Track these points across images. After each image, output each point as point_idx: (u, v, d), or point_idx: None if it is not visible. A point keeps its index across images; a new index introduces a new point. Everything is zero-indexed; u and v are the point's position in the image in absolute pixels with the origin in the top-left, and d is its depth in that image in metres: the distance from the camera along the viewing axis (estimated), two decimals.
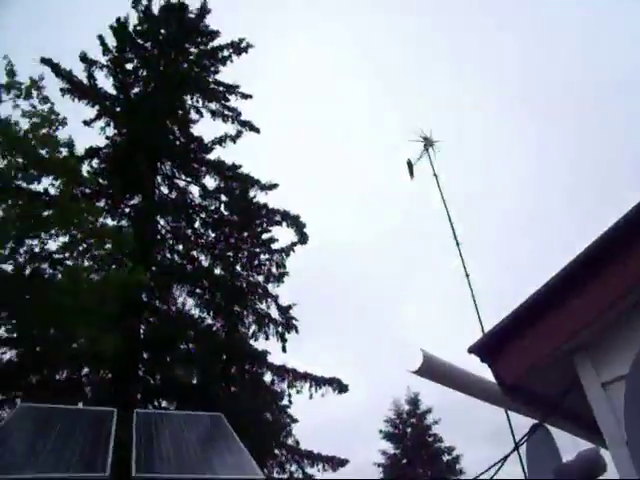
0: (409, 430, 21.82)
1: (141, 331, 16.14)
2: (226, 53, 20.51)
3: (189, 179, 19.72)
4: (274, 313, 18.86)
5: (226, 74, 20.69)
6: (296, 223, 18.94)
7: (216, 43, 20.67)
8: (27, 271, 13.60)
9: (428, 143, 11.33)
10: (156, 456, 3.45)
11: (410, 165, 11.23)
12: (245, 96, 20.37)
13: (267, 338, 18.40)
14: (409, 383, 22.38)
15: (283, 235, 19.49)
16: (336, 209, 37.66)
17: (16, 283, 12.95)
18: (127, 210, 18.06)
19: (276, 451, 15.87)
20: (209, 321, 17.76)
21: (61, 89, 17.81)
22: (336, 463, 16.34)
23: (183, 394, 14.58)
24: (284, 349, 18.01)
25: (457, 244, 10.03)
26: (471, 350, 3.16)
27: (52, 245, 14.32)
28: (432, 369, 2.81)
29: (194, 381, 15.55)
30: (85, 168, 17.23)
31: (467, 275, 9.68)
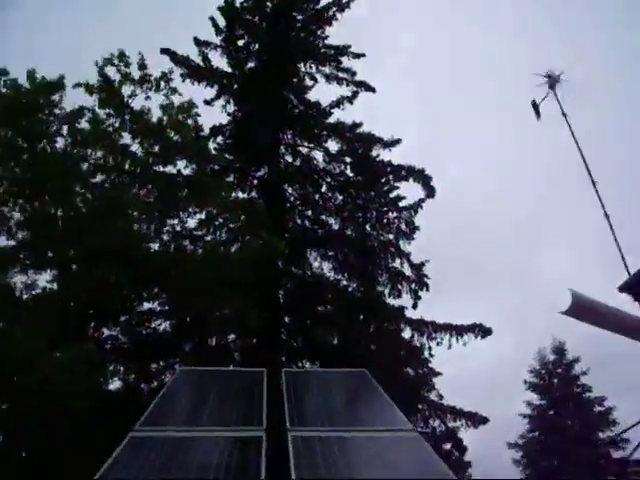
0: (555, 381, 21.07)
1: (280, 297, 16.78)
2: (330, 13, 20.32)
3: (311, 145, 19.97)
4: (407, 271, 18.86)
5: (332, 33, 20.55)
6: (422, 177, 18.66)
7: (319, 5, 20.55)
8: (171, 248, 14.59)
9: (553, 81, 10.62)
10: (307, 411, 3.62)
11: (535, 106, 10.63)
12: (357, 55, 20.15)
13: (400, 296, 18.46)
14: (553, 332, 21.49)
15: (410, 191, 19.31)
16: (457, 160, 36.56)
17: (163, 260, 13.94)
18: (255, 182, 18.67)
19: (419, 406, 16.01)
20: (344, 282, 18.10)
21: (181, 74, 18.61)
22: (477, 420, 16.23)
23: (325, 355, 15.05)
24: (415, 306, 18.00)
25: (593, 183, 9.39)
26: (623, 288, 2.99)
27: (191, 223, 15.25)
28: (582, 308, 2.69)
29: (334, 342, 15.97)
30: (211, 146, 18.00)
31: (607, 215, 9.06)
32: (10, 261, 14.89)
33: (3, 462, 9.41)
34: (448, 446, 16.32)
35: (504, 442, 19.72)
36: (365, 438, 3.06)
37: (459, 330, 17.00)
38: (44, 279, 14.60)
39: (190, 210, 14.93)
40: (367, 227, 19.46)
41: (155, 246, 14.55)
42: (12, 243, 14.94)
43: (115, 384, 14.58)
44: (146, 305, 16.95)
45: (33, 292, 14.43)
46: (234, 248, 14.50)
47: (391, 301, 18.04)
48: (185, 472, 2.63)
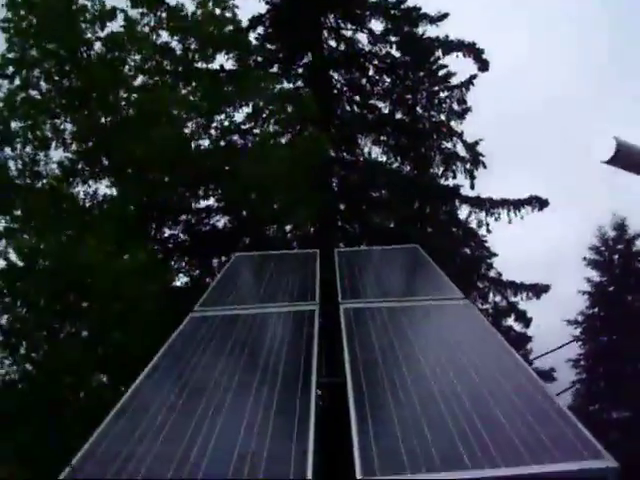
0: (615, 257, 20.65)
1: (334, 184, 16.80)
2: None
3: (355, 27, 19.14)
4: (460, 151, 18.45)
5: None
6: (473, 50, 17.77)
7: None
8: (222, 144, 14.63)
9: None
10: (358, 285, 3.70)
11: None
12: None
13: (455, 176, 18.20)
14: (614, 209, 20.90)
15: (461, 68, 18.48)
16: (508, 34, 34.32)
17: (215, 157, 14.05)
18: (300, 71, 18.20)
19: (478, 283, 16.15)
20: (397, 166, 17.92)
21: None
22: (539, 290, 16.26)
23: (381, 238, 15.16)
24: (472, 186, 17.76)
25: None
26: None
27: (238, 117, 15.14)
28: (628, 156, 2.55)
29: (390, 225, 16.02)
30: (252, 37, 17.49)
31: None
32: (71, 172, 15.36)
33: (89, 355, 10.10)
34: (509, 321, 16.59)
35: (563, 320, 19.82)
36: (415, 307, 3.11)
37: (516, 204, 16.80)
38: (103, 188, 15.08)
39: (236, 104, 14.77)
40: (418, 109, 18.94)
41: (205, 143, 14.59)
42: (69, 155, 15.36)
43: (182, 280, 15.23)
44: (203, 203, 17.44)
45: (95, 201, 14.94)
46: (284, 140, 14.39)
47: (445, 182, 17.88)
48: (241, 344, 2.75)
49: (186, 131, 14.31)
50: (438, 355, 2.47)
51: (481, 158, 18.27)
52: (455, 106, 18.68)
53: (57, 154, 14.39)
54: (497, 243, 17.11)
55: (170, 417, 2.07)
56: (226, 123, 14.68)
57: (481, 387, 2.13)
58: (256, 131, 14.89)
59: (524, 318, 16.50)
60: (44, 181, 13.43)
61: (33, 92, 13.63)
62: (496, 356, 2.49)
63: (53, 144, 14.31)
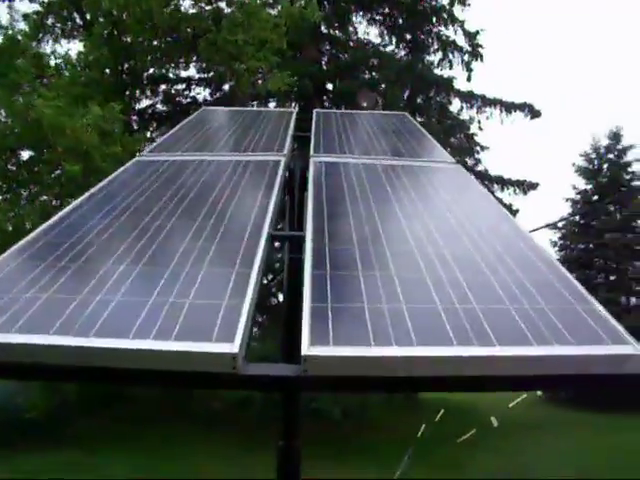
0: (605, 166, 20.18)
1: (323, 63, 15.87)
2: None
3: None
4: (460, 40, 17.43)
5: None
6: None
7: None
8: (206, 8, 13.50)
9: None
10: (336, 141, 3.21)
11: None
12: None
13: (451, 67, 17.33)
14: (611, 116, 20.29)
15: None
16: None
17: (197, 20, 13.00)
18: None
19: None
20: (392, 49, 16.92)
21: None
22: (527, 186, 15.90)
23: None
24: (469, 78, 16.95)
25: None
26: None
27: None
28: None
29: (379, 110, 15.30)
30: None
31: None
32: (39, 28, 14.23)
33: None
34: None
35: (545, 223, 19.73)
36: (398, 166, 2.64)
37: (509, 107, 16.08)
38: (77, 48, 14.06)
39: None
40: None
41: (187, 5, 13.46)
42: (37, 8, 14.16)
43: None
44: (184, 74, 16.51)
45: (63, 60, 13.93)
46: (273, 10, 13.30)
47: (443, 73, 17.00)
48: (186, 189, 2.28)
49: None
50: (421, 212, 2.03)
51: (480, 50, 17.33)
52: None
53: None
54: (486, 138, 16.58)
55: (78, 259, 1.62)
56: None
57: (473, 251, 1.70)
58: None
59: (509, 212, 16.15)
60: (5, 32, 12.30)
61: None
62: (491, 219, 2.06)
63: None
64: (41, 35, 14.53)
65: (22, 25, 13.44)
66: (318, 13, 11.83)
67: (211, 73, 14.94)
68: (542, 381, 1.26)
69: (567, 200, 19.82)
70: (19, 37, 12.91)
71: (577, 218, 19.46)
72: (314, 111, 4.21)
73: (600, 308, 1.38)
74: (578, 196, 19.79)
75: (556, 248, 19.55)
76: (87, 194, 2.28)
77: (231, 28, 12.00)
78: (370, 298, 1.40)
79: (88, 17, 13.81)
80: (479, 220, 2.01)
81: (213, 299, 1.39)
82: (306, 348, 1.19)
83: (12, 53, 11.32)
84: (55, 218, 2.01)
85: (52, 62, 12.87)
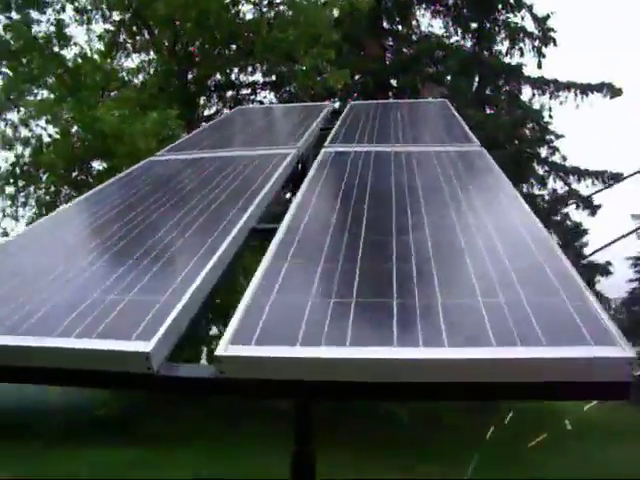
0: None
1: (386, 59, 15.62)
2: None
3: None
4: (529, 26, 16.72)
5: None
6: None
7: None
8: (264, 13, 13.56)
9: None
10: (357, 131, 3.07)
11: None
12: None
13: (522, 54, 16.63)
14: None
15: None
16: None
17: (259, 27, 13.10)
18: None
19: (537, 167, 15.00)
20: (457, 39, 16.44)
21: None
22: (608, 177, 14.97)
23: None
24: (539, 65, 16.22)
25: None
26: None
27: None
28: None
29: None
30: None
31: None
32: (113, 45, 14.77)
33: None
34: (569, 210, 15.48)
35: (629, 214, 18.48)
36: (413, 152, 2.47)
37: (584, 89, 15.20)
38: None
39: None
40: None
41: (247, 11, 13.61)
42: (109, 27, 14.71)
43: None
44: (250, 79, 16.71)
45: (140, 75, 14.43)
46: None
47: (510, 60, 16.37)
48: (182, 184, 2.21)
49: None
50: (418, 200, 1.86)
51: (551, 34, 16.56)
52: None
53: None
54: (564, 125, 15.71)
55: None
56: None
57: (463, 239, 1.53)
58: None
59: (589, 205, 15.18)
60: (81, 52, 12.83)
61: None
62: (496, 205, 1.86)
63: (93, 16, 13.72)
64: (114, 52, 15.11)
65: (97, 44, 14.05)
66: (368, 1, 11.59)
67: (273, 77, 15.02)
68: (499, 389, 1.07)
69: None
70: (95, 56, 13.51)
71: None
72: (349, 103, 4.08)
73: (596, 307, 1.17)
74: None
75: None
76: (85, 195, 2.26)
77: (282, 26, 12.01)
78: (321, 292, 1.27)
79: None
80: (484, 208, 1.82)
81: (154, 295, 1.30)
82: (222, 348, 1.07)
83: (86, 71, 11.83)
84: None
85: (122, 76, 13.36)
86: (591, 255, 15.11)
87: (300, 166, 2.70)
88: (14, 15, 12.17)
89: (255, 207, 1.88)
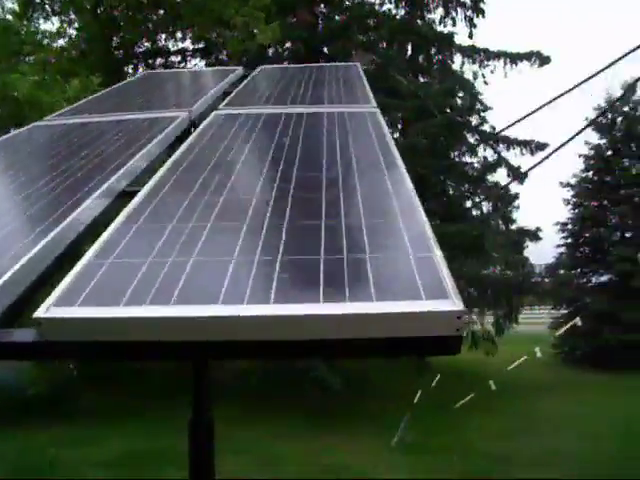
0: (619, 119, 19.27)
1: (318, 24, 15.45)
2: None
3: None
4: None
5: None
6: None
7: None
8: None
9: None
10: (256, 94, 2.99)
11: None
12: None
13: (454, 24, 16.78)
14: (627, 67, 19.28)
15: None
16: None
17: None
18: None
19: (468, 135, 15.24)
20: (390, 8, 16.37)
21: None
22: (535, 147, 15.37)
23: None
24: (471, 35, 16.42)
25: None
26: None
27: None
28: None
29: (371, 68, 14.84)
30: None
31: None
32: (29, 6, 14.03)
33: None
34: (498, 177, 15.80)
35: (557, 182, 18.96)
36: (303, 114, 2.41)
37: (514, 58, 15.47)
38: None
39: None
40: None
41: None
42: None
43: None
44: (180, 45, 16.27)
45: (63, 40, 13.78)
46: None
47: (442, 30, 16.46)
48: (61, 150, 2.10)
49: None
50: (293, 160, 1.81)
51: (482, 5, 16.75)
52: None
53: None
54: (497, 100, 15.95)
55: None
56: None
57: (322, 194, 1.49)
58: None
59: (517, 173, 15.58)
60: None
61: None
62: (367, 163, 1.82)
63: None
64: (30, 13, 14.36)
65: (10, 4, 13.30)
66: None
67: (202, 44, 14.67)
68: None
69: (580, 156, 19.11)
70: (9, 16, 12.80)
71: (590, 174, 18.81)
72: (259, 67, 3.99)
73: (436, 257, 1.15)
74: (592, 152, 19.07)
75: (569, 206, 18.97)
76: None
77: None
78: (165, 252, 1.21)
79: None
80: (357, 165, 1.78)
81: None
82: (43, 310, 1.01)
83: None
84: None
85: (39, 39, 12.71)
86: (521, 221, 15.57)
87: (193, 129, 2.62)
88: None
89: (126, 169, 1.80)
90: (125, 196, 1.73)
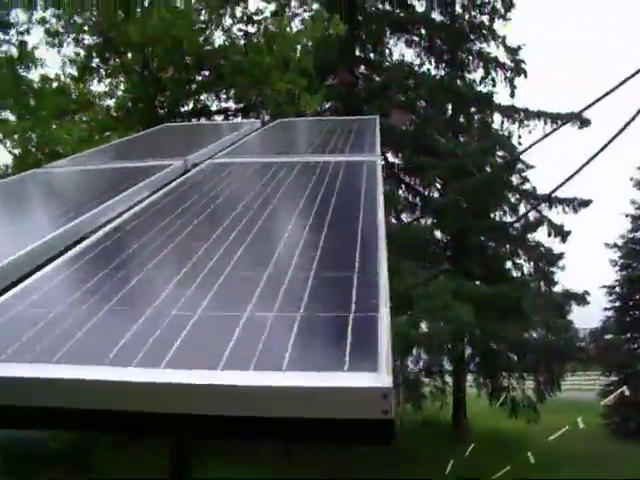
0: None
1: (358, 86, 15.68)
2: None
3: None
4: (501, 56, 16.94)
5: None
6: None
7: None
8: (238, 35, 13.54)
9: None
10: (256, 145, 2.91)
11: None
12: None
13: (494, 85, 16.85)
14: None
15: None
16: None
17: (230, 50, 13.08)
18: None
19: (509, 194, 15.00)
20: (430, 68, 16.58)
21: None
22: (578, 204, 15.00)
23: (399, 143, 14.11)
24: (512, 95, 16.42)
25: None
26: None
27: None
28: None
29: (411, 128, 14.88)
30: None
31: None
32: (86, 69, 14.72)
33: None
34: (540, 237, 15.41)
35: (602, 243, 18.43)
36: (294, 163, 2.31)
37: (554, 118, 15.31)
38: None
39: None
40: (457, 7, 17.29)
41: (217, 37, 13.60)
42: (81, 51, 14.65)
43: None
44: (224, 105, 16.70)
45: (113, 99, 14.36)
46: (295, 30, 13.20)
47: (482, 89, 16.53)
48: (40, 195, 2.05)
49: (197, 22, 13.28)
50: (259, 208, 1.69)
51: (523, 65, 16.80)
52: (498, 4, 16.98)
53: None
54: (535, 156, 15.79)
55: None
56: (238, 14, 13.55)
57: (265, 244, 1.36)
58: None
59: (560, 231, 15.16)
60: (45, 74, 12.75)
61: None
62: (338, 216, 1.66)
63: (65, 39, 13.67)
64: (87, 76, 15.03)
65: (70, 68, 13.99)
66: (342, 27, 11.66)
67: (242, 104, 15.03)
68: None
69: (627, 216, 18.58)
70: (68, 80, 13.45)
71: (638, 235, 18.22)
72: (277, 120, 3.96)
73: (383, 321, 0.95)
74: (638, 211, 18.54)
75: (616, 268, 18.34)
76: None
77: (256, 50, 12.02)
78: (74, 304, 1.09)
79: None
80: (325, 212, 1.64)
81: None
82: None
83: (47, 93, 11.74)
84: None
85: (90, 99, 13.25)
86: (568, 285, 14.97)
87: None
88: None
89: (94, 212, 1.71)
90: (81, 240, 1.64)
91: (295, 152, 2.66)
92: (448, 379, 14.29)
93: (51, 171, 2.61)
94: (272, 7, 13.86)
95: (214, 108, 16.61)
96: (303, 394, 0.78)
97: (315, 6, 14.02)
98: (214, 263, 1.25)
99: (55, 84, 12.64)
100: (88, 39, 14.20)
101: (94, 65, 15.59)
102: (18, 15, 12.78)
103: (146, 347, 0.89)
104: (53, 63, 14.78)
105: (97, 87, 14.87)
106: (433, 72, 16.78)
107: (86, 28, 13.82)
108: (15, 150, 11.20)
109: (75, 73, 13.90)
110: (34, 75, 12.44)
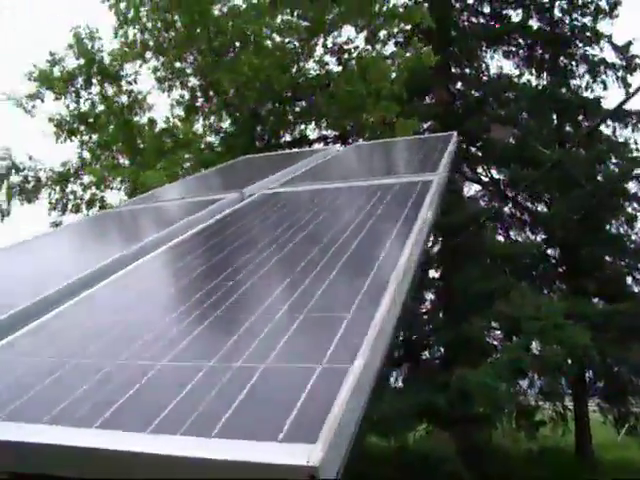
0: None
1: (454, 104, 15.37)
2: None
3: None
4: (609, 56, 16.02)
5: None
6: None
7: None
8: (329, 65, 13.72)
9: None
10: (321, 171, 2.86)
11: None
12: None
13: (605, 88, 15.96)
14: None
15: None
16: None
17: (320, 80, 13.30)
18: None
19: (625, 204, 13.97)
20: (530, 79, 15.96)
21: None
22: None
23: (500, 157, 13.63)
24: (627, 94, 15.39)
25: None
26: None
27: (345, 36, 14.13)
28: None
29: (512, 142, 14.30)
30: None
31: None
32: (191, 109, 15.51)
33: None
34: None
35: None
36: (352, 188, 2.24)
37: None
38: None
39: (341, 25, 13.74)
40: (556, 12, 16.58)
41: (309, 67, 13.87)
42: (185, 93, 15.47)
43: None
44: (317, 133, 16.97)
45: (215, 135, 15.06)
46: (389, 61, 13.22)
47: (589, 94, 15.69)
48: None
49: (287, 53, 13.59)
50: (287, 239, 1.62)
51: (636, 62, 15.79)
52: (603, 3, 16.12)
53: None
54: None
55: None
56: (329, 44, 13.74)
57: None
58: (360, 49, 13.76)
59: None
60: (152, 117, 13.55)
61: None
62: (365, 245, 1.54)
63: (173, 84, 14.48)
64: (193, 116, 15.83)
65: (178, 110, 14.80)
66: (433, 58, 11.59)
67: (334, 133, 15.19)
68: None
69: None
70: (177, 121, 14.23)
71: None
72: (354, 144, 3.92)
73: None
74: None
75: None
76: None
77: (349, 80, 12.11)
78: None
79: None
80: (351, 242, 1.54)
81: None
82: None
83: (149, 135, 12.48)
84: None
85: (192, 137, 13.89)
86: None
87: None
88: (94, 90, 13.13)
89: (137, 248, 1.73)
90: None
91: (349, 177, 2.58)
92: (568, 403, 13.41)
93: (122, 209, 2.71)
94: (362, 36, 14.05)
95: (314, 136, 16.91)
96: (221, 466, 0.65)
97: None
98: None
99: (162, 125, 13.42)
100: (192, 81, 15.02)
101: (198, 104, 16.43)
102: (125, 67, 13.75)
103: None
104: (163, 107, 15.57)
105: (200, 125, 15.72)
106: (534, 82, 16.18)
107: (189, 71, 14.58)
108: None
109: (182, 113, 14.71)
110: (144, 119, 13.30)
